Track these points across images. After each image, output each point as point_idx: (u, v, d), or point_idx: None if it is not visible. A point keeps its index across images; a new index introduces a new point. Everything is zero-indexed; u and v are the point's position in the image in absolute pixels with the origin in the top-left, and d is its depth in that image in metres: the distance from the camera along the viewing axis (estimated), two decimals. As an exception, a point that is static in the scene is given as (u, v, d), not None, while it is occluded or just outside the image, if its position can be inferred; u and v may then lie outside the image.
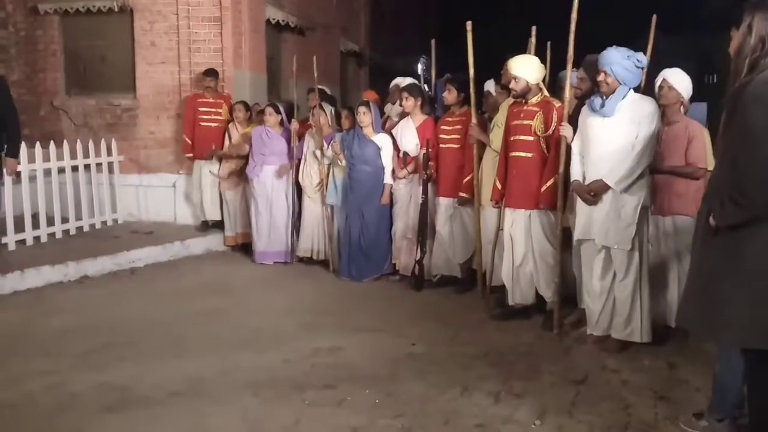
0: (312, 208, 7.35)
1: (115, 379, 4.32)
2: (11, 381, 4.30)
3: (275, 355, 4.75)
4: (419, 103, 6.63)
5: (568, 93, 4.95)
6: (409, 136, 6.65)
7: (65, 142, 8.15)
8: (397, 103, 7.21)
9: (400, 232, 6.75)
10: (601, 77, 4.58)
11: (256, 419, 3.80)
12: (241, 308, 5.94)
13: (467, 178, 6.10)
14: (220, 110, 8.26)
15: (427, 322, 5.47)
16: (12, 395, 4.10)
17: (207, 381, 4.30)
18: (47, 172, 7.81)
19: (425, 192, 6.39)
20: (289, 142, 7.41)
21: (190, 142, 8.24)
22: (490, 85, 6.12)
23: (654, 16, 5.38)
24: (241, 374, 4.41)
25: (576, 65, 5.16)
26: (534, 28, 5.60)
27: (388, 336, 5.14)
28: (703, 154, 4.85)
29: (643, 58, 4.61)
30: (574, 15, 4.84)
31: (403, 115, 6.90)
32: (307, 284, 6.75)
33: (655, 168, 4.76)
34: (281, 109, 7.50)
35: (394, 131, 6.84)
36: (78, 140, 8.36)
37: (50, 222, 7.79)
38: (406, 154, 6.66)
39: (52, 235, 7.78)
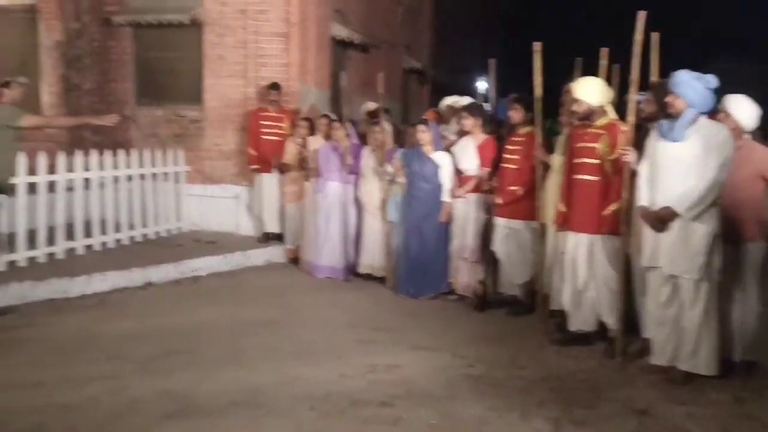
0: (372, 225, 7.37)
1: (175, 386, 4.41)
2: (75, 383, 4.43)
3: (332, 369, 4.77)
4: (479, 122, 6.62)
5: (632, 117, 4.86)
6: (468, 155, 6.63)
7: (134, 150, 8.37)
8: (453, 122, 7.20)
9: (456, 251, 6.72)
10: (669, 99, 4.50)
11: (313, 434, 3.82)
12: (299, 321, 5.99)
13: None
14: (281, 124, 8.38)
15: (485, 344, 5.41)
16: (75, 397, 4.22)
17: (265, 392, 4.35)
18: (116, 179, 8.05)
19: (489, 212, 6.36)
20: (357, 155, 7.45)
21: (255, 154, 8.39)
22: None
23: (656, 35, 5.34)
24: (298, 387, 4.45)
25: (644, 89, 5.09)
26: (605, 50, 5.54)
27: (446, 355, 5.11)
28: None
29: (714, 81, 4.49)
30: (638, 37, 4.77)
31: (461, 133, 6.88)
32: (365, 299, 6.76)
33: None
34: (348, 123, 7.57)
35: (453, 150, 6.82)
36: (146, 149, 8.57)
37: (117, 228, 8.01)
38: (461, 172, 6.65)
39: (118, 241, 8.00)
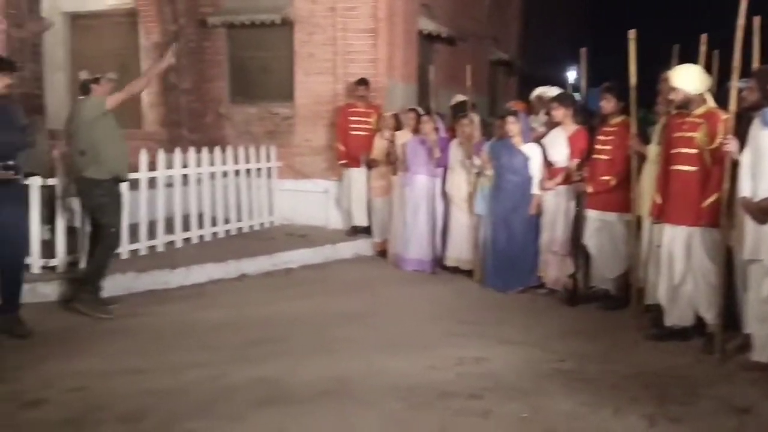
0: (459, 218, 7.35)
1: (268, 374, 4.53)
2: (174, 370, 4.61)
3: (420, 361, 4.79)
4: (570, 112, 6.49)
5: (733, 105, 4.66)
6: (559, 146, 6.51)
7: (229, 147, 8.62)
8: (541, 113, 7.08)
9: (545, 244, 6.62)
10: (773, 86, 4.30)
11: (401, 424, 3.85)
12: (387, 312, 6.04)
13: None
14: (369, 119, 8.47)
15: (576, 338, 5.32)
16: (174, 384, 4.39)
17: (354, 382, 4.42)
18: (212, 175, 8.33)
19: (579, 203, 6.26)
20: (444, 148, 7.45)
21: (344, 149, 8.52)
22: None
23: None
24: (386, 378, 4.49)
25: (747, 75, 4.87)
26: (704, 36, 5.34)
27: (535, 349, 5.05)
28: None
29: None
30: (741, 21, 4.56)
31: (550, 124, 6.76)
32: (452, 292, 6.76)
33: None
34: (437, 117, 7.59)
35: (543, 141, 6.72)
36: (240, 146, 8.79)
37: (214, 222, 8.30)
38: (551, 164, 6.54)
39: (214, 234, 8.27)
